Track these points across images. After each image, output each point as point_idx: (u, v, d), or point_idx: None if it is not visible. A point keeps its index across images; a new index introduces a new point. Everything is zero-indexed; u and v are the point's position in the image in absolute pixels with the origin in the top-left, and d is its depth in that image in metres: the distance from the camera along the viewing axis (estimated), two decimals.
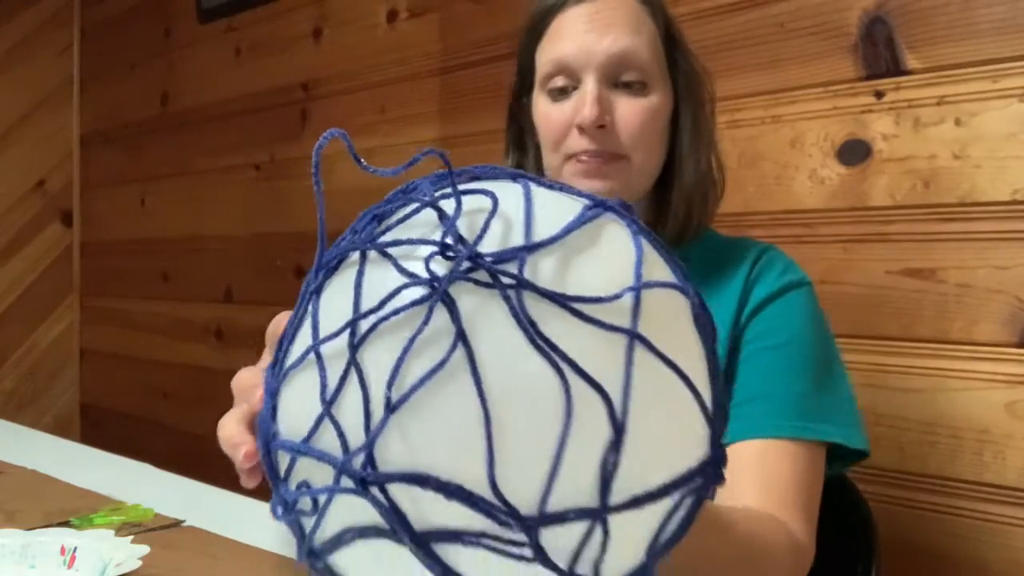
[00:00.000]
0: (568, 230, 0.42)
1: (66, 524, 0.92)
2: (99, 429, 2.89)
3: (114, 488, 1.08)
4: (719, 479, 0.45)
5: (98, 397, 2.93)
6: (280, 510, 0.43)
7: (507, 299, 0.39)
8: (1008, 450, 1.10)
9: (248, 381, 0.51)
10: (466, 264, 0.40)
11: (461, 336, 0.39)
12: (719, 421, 0.44)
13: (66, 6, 2.92)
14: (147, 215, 2.70)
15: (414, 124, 1.89)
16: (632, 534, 0.42)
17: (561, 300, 0.39)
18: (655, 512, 0.41)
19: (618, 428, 0.39)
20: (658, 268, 0.44)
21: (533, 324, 0.39)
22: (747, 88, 1.34)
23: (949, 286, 1.15)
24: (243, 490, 1.12)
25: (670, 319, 0.43)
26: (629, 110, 0.87)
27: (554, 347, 0.38)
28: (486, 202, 0.43)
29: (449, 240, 0.41)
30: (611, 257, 0.43)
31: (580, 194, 0.48)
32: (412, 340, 0.39)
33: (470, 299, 0.40)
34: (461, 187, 0.46)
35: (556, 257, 0.41)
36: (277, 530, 0.96)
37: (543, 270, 0.40)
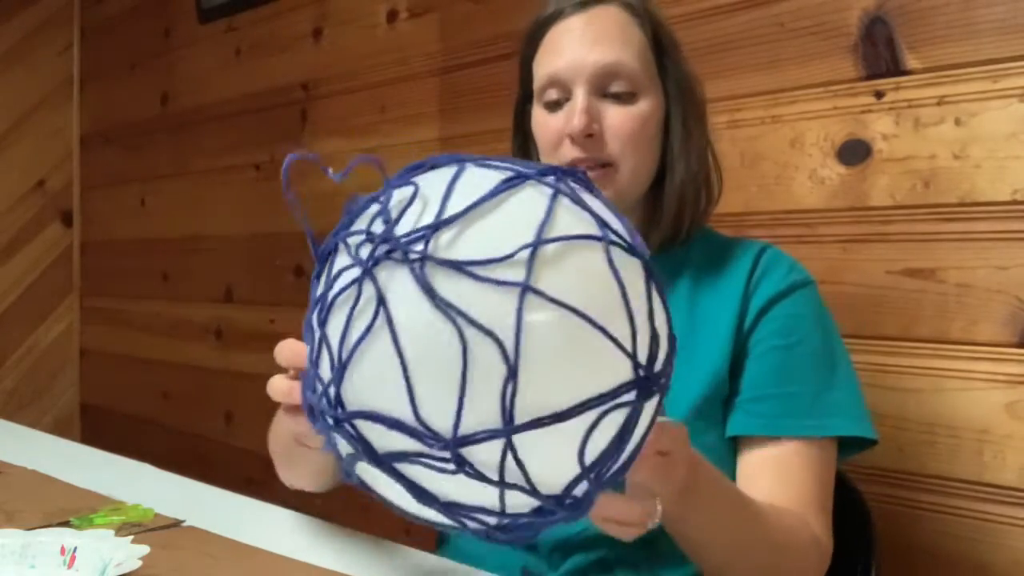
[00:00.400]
0: (475, 204, 0.51)
1: (66, 524, 0.92)
2: (99, 429, 2.89)
3: (114, 488, 1.07)
4: (648, 396, 0.53)
5: (98, 397, 2.93)
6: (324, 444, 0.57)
7: (412, 271, 0.50)
8: (1008, 450, 1.10)
9: (292, 351, 0.63)
10: (384, 247, 0.51)
11: (381, 302, 0.50)
12: (654, 345, 0.53)
13: (66, 6, 2.92)
14: (147, 215, 2.70)
15: (414, 124, 1.89)
16: (553, 449, 0.51)
17: (456, 266, 0.49)
18: (570, 429, 0.50)
19: (510, 365, 0.48)
20: (578, 225, 0.52)
21: (430, 289, 0.49)
22: (747, 88, 1.34)
23: (949, 286, 1.15)
24: (243, 490, 1.12)
25: (578, 268, 0.51)
26: (618, 119, 0.90)
27: (449, 304, 0.49)
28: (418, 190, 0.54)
29: (376, 228, 0.53)
30: (514, 221, 0.51)
31: (523, 167, 0.55)
32: (351, 311, 0.52)
33: (387, 274, 0.51)
34: (400, 180, 0.57)
35: (459, 229, 0.51)
36: (277, 531, 0.96)
37: (444, 243, 0.50)
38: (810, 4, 1.27)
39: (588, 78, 0.90)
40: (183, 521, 0.96)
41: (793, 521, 0.85)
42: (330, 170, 0.61)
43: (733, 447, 0.92)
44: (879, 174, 1.21)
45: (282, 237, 2.21)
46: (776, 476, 0.88)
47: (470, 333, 0.48)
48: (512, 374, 0.48)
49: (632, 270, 0.54)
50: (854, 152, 1.23)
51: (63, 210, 2.94)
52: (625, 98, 0.91)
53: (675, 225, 0.95)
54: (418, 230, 0.51)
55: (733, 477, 0.91)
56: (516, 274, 0.49)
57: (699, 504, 0.72)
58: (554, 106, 0.93)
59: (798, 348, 0.92)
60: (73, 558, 0.79)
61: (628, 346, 0.51)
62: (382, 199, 0.55)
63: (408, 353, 0.50)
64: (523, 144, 1.02)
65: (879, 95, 1.21)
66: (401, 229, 0.52)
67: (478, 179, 0.53)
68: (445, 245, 0.50)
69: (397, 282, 0.50)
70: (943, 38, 1.15)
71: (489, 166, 0.55)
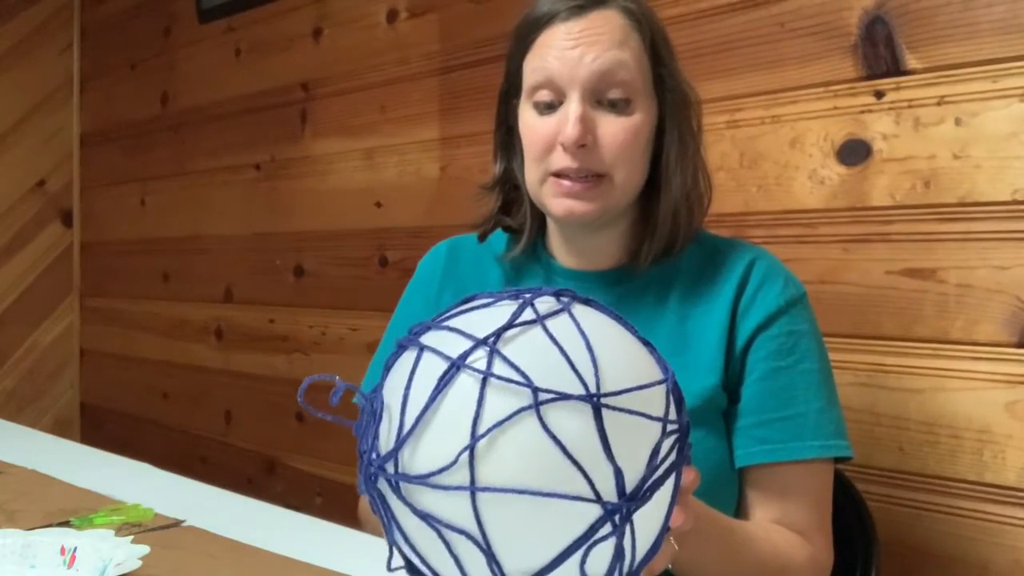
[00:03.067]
0: (418, 419, 0.56)
1: (66, 524, 0.92)
2: (99, 429, 2.89)
3: (114, 488, 1.08)
4: (627, 516, 0.56)
5: (98, 397, 2.93)
6: None
7: (394, 490, 0.57)
8: (1008, 450, 1.10)
9: None
10: (371, 469, 0.58)
11: (392, 519, 0.59)
12: (619, 475, 0.56)
13: (66, 6, 2.92)
14: (147, 215, 2.70)
15: (414, 124, 1.89)
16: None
17: (420, 480, 0.56)
18: (567, 572, 0.56)
19: (487, 551, 0.55)
20: (508, 400, 0.56)
21: (408, 503, 0.56)
22: (747, 88, 1.34)
23: (949, 286, 1.15)
24: (243, 490, 1.12)
25: (516, 446, 0.55)
26: (612, 130, 0.88)
27: (426, 514, 0.56)
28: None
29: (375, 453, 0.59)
30: (453, 422, 0.56)
31: (481, 313, 0.61)
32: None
33: (383, 488, 0.59)
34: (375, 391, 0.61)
35: (414, 442, 0.57)
36: (277, 531, 0.96)
37: (407, 457, 0.57)
38: (810, 4, 1.27)
39: (584, 84, 0.87)
40: (183, 521, 0.96)
41: (789, 543, 0.86)
42: (338, 378, 0.62)
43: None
44: (879, 174, 1.21)
45: (282, 237, 2.21)
46: (780, 500, 0.89)
47: (448, 535, 0.56)
48: (491, 558, 0.55)
49: (572, 418, 0.56)
50: (854, 152, 1.23)
51: (63, 210, 2.94)
52: (620, 107, 0.88)
53: (669, 240, 0.93)
54: (388, 452, 0.57)
55: (731, 478, 0.91)
56: (463, 477, 0.55)
57: (696, 543, 0.71)
58: (545, 108, 0.90)
59: (799, 367, 0.91)
60: (73, 558, 0.79)
61: (587, 492, 0.55)
62: (366, 415, 0.61)
63: (417, 556, 0.59)
64: (506, 140, 1.00)
65: (879, 95, 1.21)
66: (384, 445, 0.58)
67: (430, 369, 0.58)
68: (408, 459, 0.57)
69: (391, 496, 0.58)
70: (943, 38, 1.15)
71: (440, 345, 0.59)
